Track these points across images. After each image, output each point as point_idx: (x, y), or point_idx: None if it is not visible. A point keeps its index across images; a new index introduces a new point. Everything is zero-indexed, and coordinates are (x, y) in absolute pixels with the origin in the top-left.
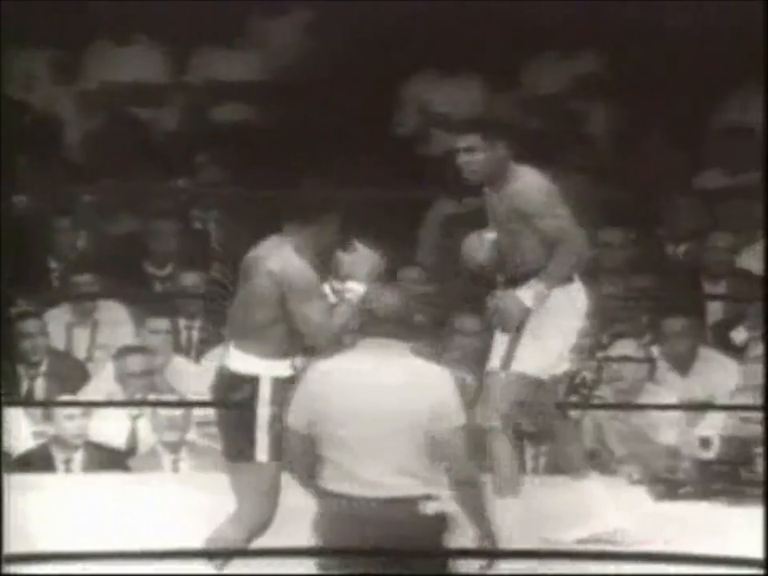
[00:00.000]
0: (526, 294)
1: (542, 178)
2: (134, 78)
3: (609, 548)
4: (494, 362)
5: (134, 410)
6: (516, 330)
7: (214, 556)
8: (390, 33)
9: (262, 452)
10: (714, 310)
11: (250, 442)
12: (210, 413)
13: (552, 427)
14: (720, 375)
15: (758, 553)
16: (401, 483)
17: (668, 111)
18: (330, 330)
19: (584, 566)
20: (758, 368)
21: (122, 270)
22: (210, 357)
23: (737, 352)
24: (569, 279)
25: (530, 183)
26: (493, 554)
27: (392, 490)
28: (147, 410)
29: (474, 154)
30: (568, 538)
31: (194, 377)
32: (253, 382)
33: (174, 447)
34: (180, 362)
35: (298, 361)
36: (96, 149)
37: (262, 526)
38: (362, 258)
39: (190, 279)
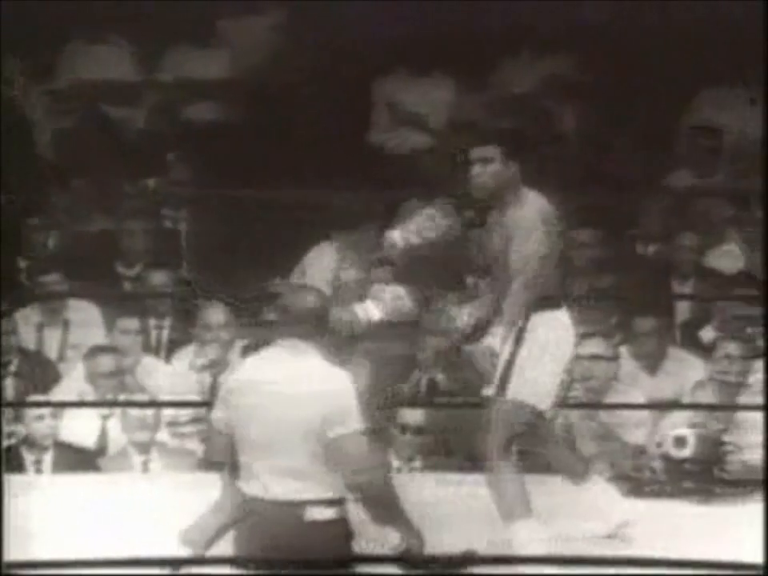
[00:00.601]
0: (494, 341)
1: (549, 206)
2: (105, 76)
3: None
4: (490, 389)
5: (105, 410)
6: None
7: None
8: (362, 33)
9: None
10: (683, 310)
11: None
12: (180, 413)
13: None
14: (688, 374)
15: (725, 552)
16: (289, 487)
17: (639, 112)
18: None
19: (581, 569)
20: (725, 366)
21: (93, 269)
22: (179, 356)
23: (705, 351)
24: (555, 305)
25: (538, 210)
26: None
27: (280, 493)
28: (117, 411)
29: (488, 166)
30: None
31: (164, 377)
32: None
33: (144, 447)
34: (150, 362)
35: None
36: (67, 148)
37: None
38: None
39: (160, 279)
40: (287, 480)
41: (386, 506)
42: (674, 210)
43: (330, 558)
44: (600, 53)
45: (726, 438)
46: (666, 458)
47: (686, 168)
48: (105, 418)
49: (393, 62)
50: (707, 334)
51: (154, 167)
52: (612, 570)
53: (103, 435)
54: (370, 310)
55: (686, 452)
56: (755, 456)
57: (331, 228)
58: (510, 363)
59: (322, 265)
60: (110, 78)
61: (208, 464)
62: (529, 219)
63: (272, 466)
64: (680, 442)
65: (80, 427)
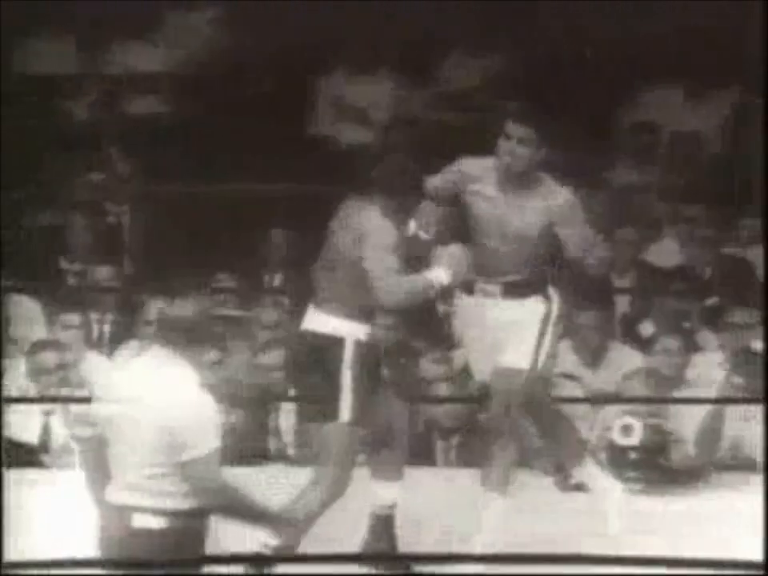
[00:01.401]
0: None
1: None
2: (48, 70)
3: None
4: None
5: (47, 406)
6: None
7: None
8: (304, 29)
9: (346, 412)
10: (622, 304)
11: (334, 401)
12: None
13: (551, 423)
14: (628, 368)
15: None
16: (122, 495)
17: (579, 108)
18: (397, 292)
19: (580, 568)
20: (663, 360)
21: (35, 263)
22: (122, 351)
23: (644, 345)
24: (544, 288)
25: (567, 201)
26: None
27: (116, 499)
28: (59, 406)
29: (521, 147)
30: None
31: (106, 372)
32: (336, 343)
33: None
34: (94, 358)
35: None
36: (9, 141)
37: (342, 487)
38: (453, 254)
39: (103, 273)
40: (121, 489)
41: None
42: (614, 206)
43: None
44: (540, 50)
45: (669, 427)
46: (612, 447)
47: (625, 164)
48: (47, 414)
49: (334, 58)
50: (646, 328)
51: (98, 162)
52: (608, 569)
53: (46, 431)
54: (441, 275)
55: (633, 440)
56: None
57: (273, 222)
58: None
59: (381, 232)
60: (54, 71)
61: None
62: (569, 207)
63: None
64: (627, 430)
65: (23, 423)
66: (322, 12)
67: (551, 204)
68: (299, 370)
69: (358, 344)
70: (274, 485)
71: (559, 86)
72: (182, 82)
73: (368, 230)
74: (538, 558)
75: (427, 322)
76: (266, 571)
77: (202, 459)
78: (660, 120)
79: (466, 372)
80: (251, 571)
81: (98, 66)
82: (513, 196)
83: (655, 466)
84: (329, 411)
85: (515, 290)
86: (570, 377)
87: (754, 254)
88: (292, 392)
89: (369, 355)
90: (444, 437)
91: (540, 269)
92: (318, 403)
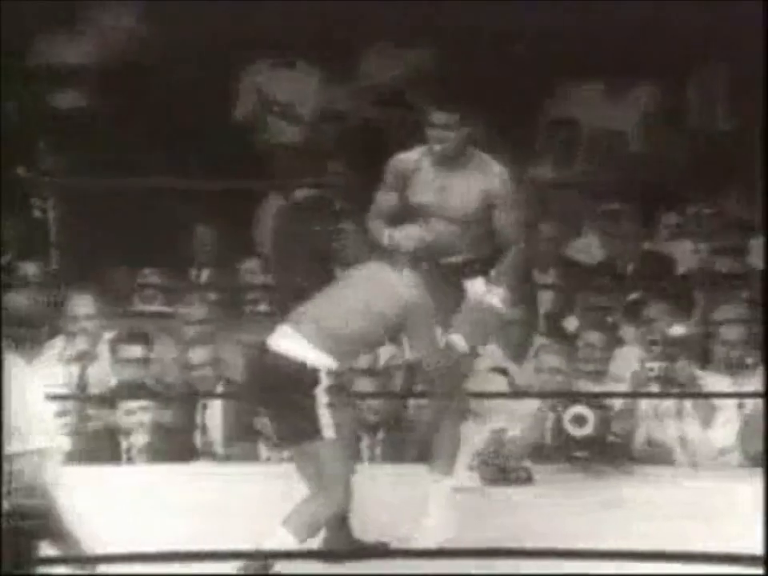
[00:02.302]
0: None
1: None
2: None
3: None
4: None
5: None
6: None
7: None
8: (227, 21)
9: (329, 429)
10: (546, 300)
11: (312, 421)
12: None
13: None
14: (554, 363)
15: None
16: None
17: (501, 102)
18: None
19: (579, 564)
20: (587, 355)
21: None
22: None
23: (569, 340)
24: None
25: (500, 174)
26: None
27: None
28: None
29: (446, 131)
30: None
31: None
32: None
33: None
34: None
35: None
36: None
37: (345, 503)
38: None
39: (29, 269)
40: None
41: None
42: (536, 202)
43: None
44: (461, 45)
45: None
46: (562, 436)
47: (546, 159)
48: None
49: (258, 52)
50: (571, 323)
51: (23, 156)
52: (610, 564)
53: None
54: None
55: (586, 430)
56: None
57: (199, 218)
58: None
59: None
60: None
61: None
62: (502, 186)
63: None
64: (579, 420)
65: None
66: (245, 4)
67: (488, 179)
68: (265, 386)
69: (331, 371)
70: (201, 481)
71: (483, 81)
72: (105, 76)
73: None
74: (499, 551)
75: None
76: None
77: (24, 455)
78: (578, 116)
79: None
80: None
81: (21, 59)
82: (450, 176)
83: (607, 457)
84: (309, 430)
85: (460, 271)
86: (500, 370)
87: (675, 249)
88: (220, 389)
89: (340, 377)
90: (369, 432)
91: (483, 249)
92: (292, 421)
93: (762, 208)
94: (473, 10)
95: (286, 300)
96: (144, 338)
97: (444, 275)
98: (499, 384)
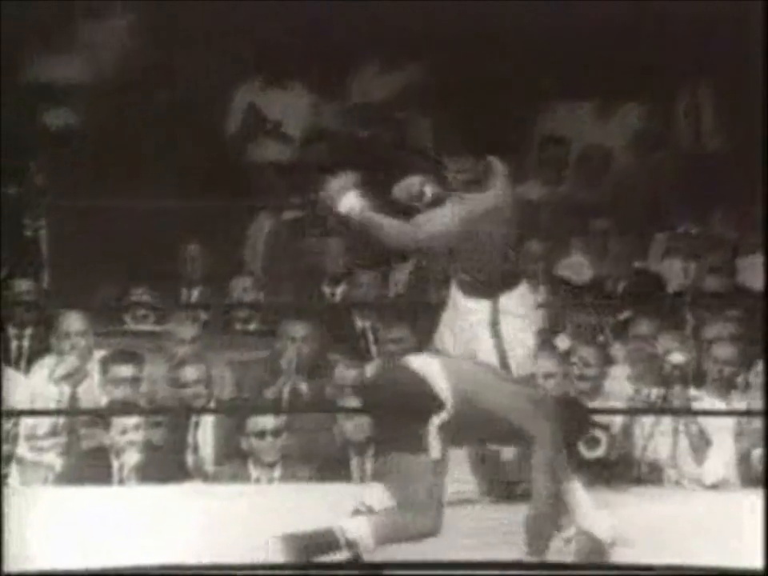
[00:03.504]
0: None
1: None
2: None
3: None
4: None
5: None
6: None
7: None
8: (219, 40)
9: (436, 450)
10: (536, 318)
11: (419, 438)
12: (39, 426)
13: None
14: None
15: None
16: None
17: (492, 121)
18: None
19: None
20: (581, 372)
21: None
22: (38, 367)
23: (562, 358)
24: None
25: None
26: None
27: None
28: None
29: (465, 174)
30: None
31: (23, 388)
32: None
33: (6, 461)
34: (11, 374)
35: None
36: None
37: (436, 524)
38: None
39: (21, 287)
40: None
41: None
42: (526, 219)
43: None
44: (454, 63)
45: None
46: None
47: (535, 178)
48: None
49: (250, 71)
50: (563, 341)
51: (15, 175)
52: None
53: None
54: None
55: (599, 452)
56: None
57: (189, 237)
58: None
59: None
60: None
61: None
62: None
63: None
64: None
65: None
66: (236, 23)
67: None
68: (389, 397)
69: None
70: (192, 503)
71: (473, 99)
72: (98, 94)
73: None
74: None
75: (344, 335)
76: None
77: None
78: (568, 134)
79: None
80: None
81: (14, 77)
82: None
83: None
84: (416, 446)
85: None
86: None
87: (664, 268)
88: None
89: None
90: (358, 452)
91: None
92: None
93: (762, 224)
94: (463, 29)
95: (276, 318)
96: (134, 357)
97: None
98: None
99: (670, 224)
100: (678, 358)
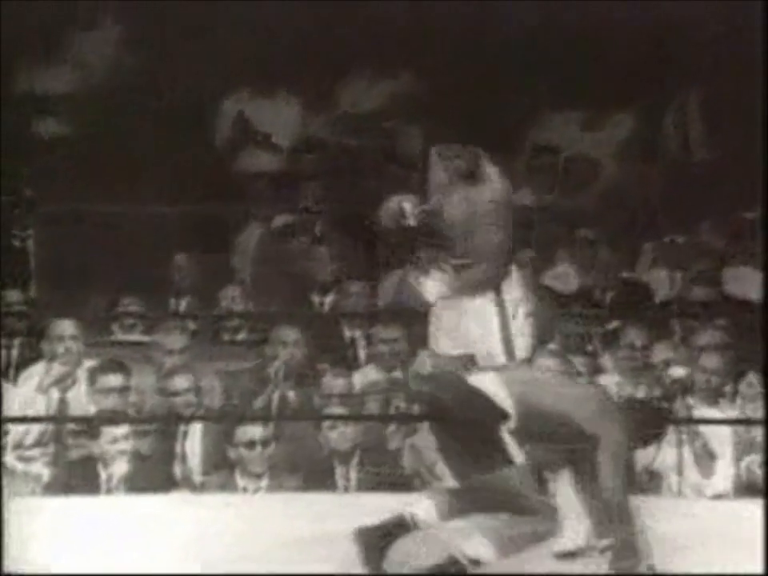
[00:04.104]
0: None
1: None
2: None
3: None
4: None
5: None
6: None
7: None
8: (209, 49)
9: (519, 456)
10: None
11: (497, 448)
12: (27, 435)
13: None
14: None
15: None
16: None
17: (483, 130)
18: None
19: None
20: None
21: None
22: (27, 376)
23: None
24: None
25: (505, 185)
26: None
27: None
28: None
29: (460, 161)
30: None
31: (12, 397)
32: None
33: None
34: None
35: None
36: None
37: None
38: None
39: (10, 298)
40: None
41: None
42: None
43: None
44: (443, 72)
45: None
46: None
47: (527, 186)
48: None
49: (239, 80)
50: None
51: (5, 185)
52: None
53: None
54: None
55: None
56: None
57: (178, 246)
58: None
59: None
60: None
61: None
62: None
63: None
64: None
65: None
66: (224, 32)
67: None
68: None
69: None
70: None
71: (464, 109)
72: (87, 104)
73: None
74: None
75: (332, 344)
76: None
77: None
78: (558, 143)
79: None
80: None
81: (5, 87)
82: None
83: None
84: (499, 459)
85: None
86: None
87: (651, 278)
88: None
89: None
90: (343, 461)
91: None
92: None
93: (761, 229)
94: (453, 38)
95: (265, 327)
96: (123, 368)
97: None
98: None
99: (657, 234)
100: (678, 372)
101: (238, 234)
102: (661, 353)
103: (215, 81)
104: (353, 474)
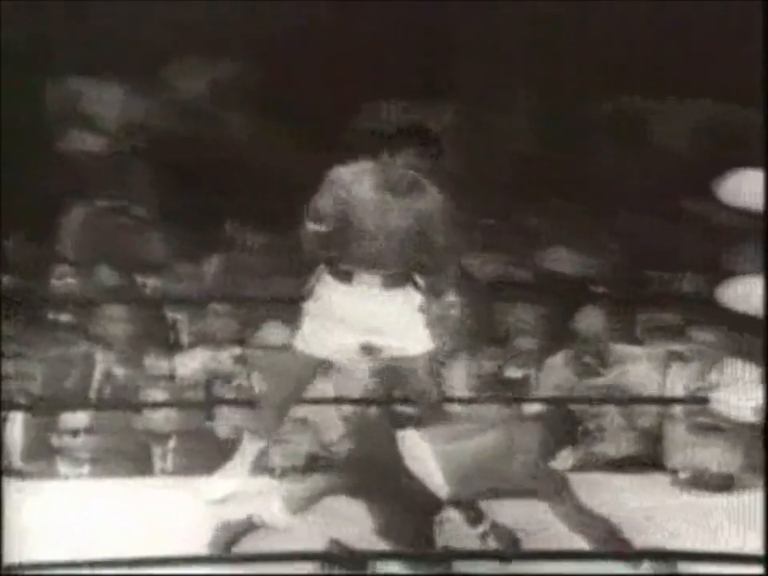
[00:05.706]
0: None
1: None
2: None
3: None
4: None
5: None
6: None
7: None
8: (30, 29)
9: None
10: None
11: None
12: None
13: None
14: None
15: None
16: None
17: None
18: None
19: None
20: None
21: None
22: None
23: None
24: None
25: (439, 198)
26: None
27: None
28: None
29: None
30: None
31: None
32: None
33: None
34: None
35: None
36: None
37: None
38: None
39: None
40: None
41: None
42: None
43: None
44: (275, 58)
45: None
46: None
47: None
48: None
49: (63, 62)
50: None
51: None
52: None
53: None
54: None
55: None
56: None
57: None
58: None
59: None
60: None
61: None
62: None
63: None
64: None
65: None
66: (45, 13)
67: (423, 206)
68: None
69: None
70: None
71: (294, 97)
72: None
73: None
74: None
75: (155, 328)
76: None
77: None
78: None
79: None
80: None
81: None
82: (391, 198)
83: None
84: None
85: (393, 282)
86: None
87: None
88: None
89: None
90: (160, 443)
91: (411, 260)
92: None
93: (763, 233)
94: (283, 26)
95: (89, 311)
96: None
97: None
98: None
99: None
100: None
101: (62, 215)
102: None
103: (40, 61)
104: (170, 457)
